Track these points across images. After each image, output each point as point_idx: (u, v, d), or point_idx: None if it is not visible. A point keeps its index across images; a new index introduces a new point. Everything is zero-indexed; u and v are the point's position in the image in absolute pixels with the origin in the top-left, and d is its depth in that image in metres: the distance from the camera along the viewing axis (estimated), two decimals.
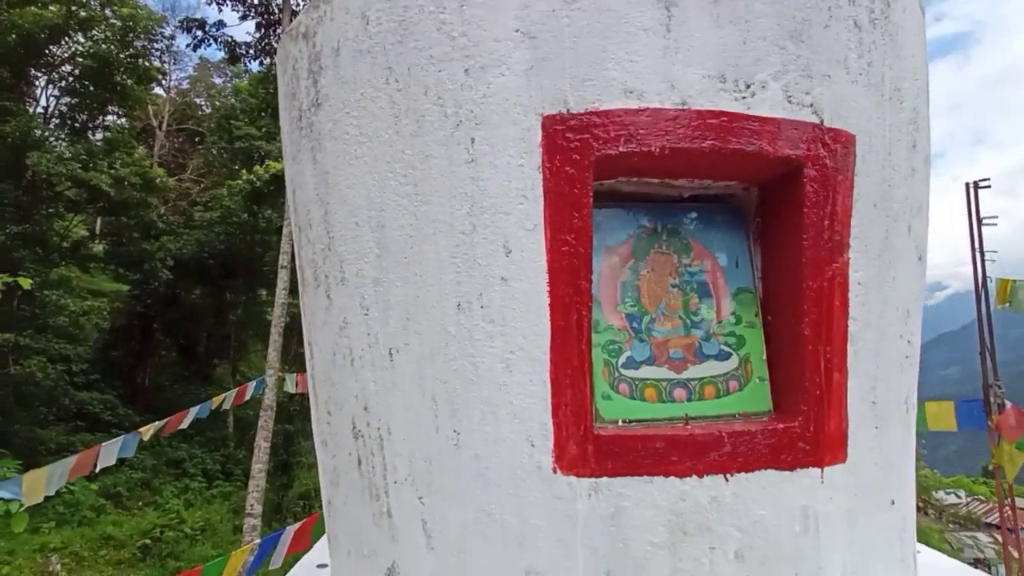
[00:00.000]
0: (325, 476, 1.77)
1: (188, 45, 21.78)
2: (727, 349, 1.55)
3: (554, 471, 1.35)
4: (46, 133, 22.11)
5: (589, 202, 1.37)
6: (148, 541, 17.88)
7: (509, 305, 1.37)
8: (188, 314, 25.31)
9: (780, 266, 1.55)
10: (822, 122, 1.44)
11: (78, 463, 7.72)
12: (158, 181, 23.48)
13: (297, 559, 2.81)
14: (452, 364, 1.41)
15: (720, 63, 1.39)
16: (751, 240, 1.62)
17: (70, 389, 20.31)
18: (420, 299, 1.44)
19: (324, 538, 2.67)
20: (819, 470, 1.43)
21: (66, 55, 21.85)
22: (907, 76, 1.60)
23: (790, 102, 1.42)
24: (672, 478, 1.36)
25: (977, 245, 10.58)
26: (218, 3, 19.25)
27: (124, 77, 21.95)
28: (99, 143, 23.14)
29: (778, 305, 1.55)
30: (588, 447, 1.35)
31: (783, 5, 1.42)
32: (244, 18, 19.80)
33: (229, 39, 20.22)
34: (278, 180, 20.54)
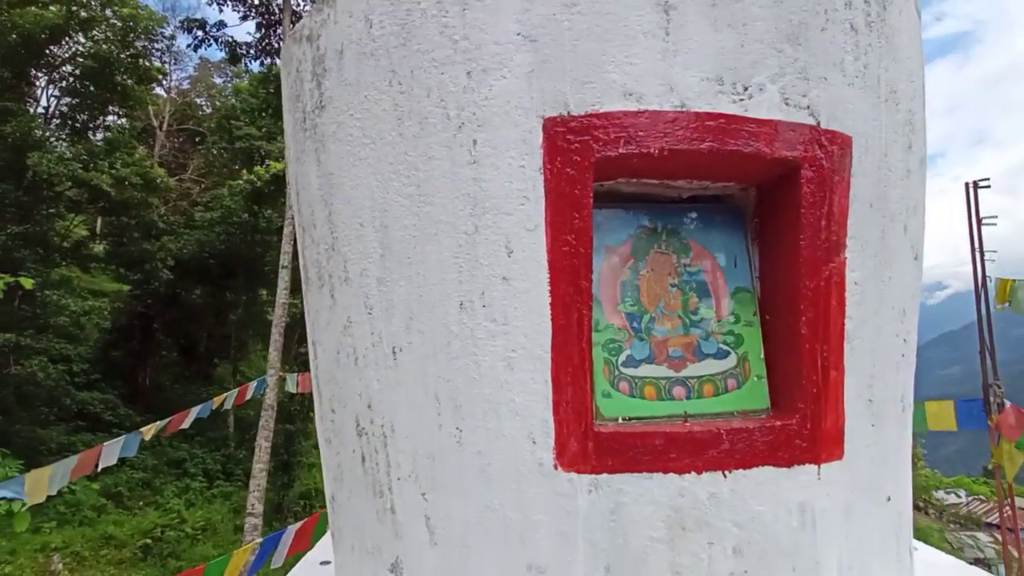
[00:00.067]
0: (329, 473, 1.79)
1: (188, 45, 21.81)
2: (725, 348, 1.57)
3: (555, 467, 1.37)
4: (47, 133, 22.14)
5: (589, 203, 1.39)
6: (149, 541, 17.91)
7: (511, 304, 1.39)
8: (189, 314, 25.33)
9: (778, 266, 1.57)
10: (819, 124, 1.47)
11: (80, 462, 7.75)
12: (159, 181, 23.49)
13: (298, 558, 2.83)
14: (455, 362, 1.43)
15: (718, 66, 1.41)
16: (749, 240, 1.64)
17: (71, 389, 20.34)
18: (423, 298, 1.47)
19: (327, 536, 2.69)
20: (816, 467, 1.46)
21: (67, 55, 21.88)
22: (903, 78, 1.63)
23: (787, 104, 1.44)
24: (671, 474, 1.38)
25: (977, 245, 10.59)
26: (219, 3, 19.28)
27: (124, 77, 21.97)
28: (100, 143, 23.16)
29: (776, 304, 1.57)
30: (589, 444, 1.38)
31: (780, 8, 1.44)
32: (244, 18, 19.82)
33: (230, 39, 20.25)
34: (279, 180, 20.57)
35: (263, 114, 24.01)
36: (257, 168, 22.88)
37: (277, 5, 19.14)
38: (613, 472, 1.37)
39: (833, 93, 1.48)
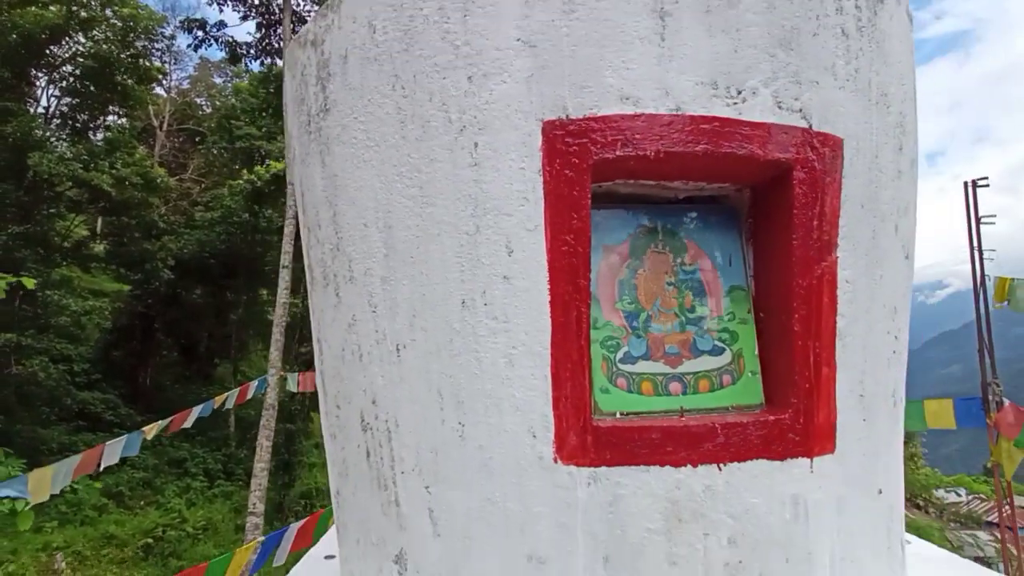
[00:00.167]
0: (334, 468, 1.83)
1: (189, 45, 21.85)
2: (721, 345, 1.61)
3: (555, 461, 1.42)
4: (47, 133, 22.16)
5: (587, 204, 1.43)
6: (150, 540, 17.94)
7: (511, 303, 1.43)
8: (189, 314, 25.36)
9: (771, 265, 1.61)
10: (810, 126, 1.51)
11: (83, 461, 7.78)
12: (159, 181, 23.51)
13: (299, 557, 2.86)
14: (457, 359, 1.47)
15: (712, 70, 1.45)
16: (744, 239, 1.68)
17: (72, 389, 20.37)
18: (426, 297, 1.51)
19: (330, 532, 2.73)
20: (808, 460, 1.50)
21: (67, 55, 21.90)
22: (894, 81, 1.67)
23: (780, 107, 1.48)
24: (668, 467, 1.42)
25: (975, 244, 10.62)
26: (219, 3, 19.30)
27: (125, 77, 21.98)
28: (100, 143, 23.18)
29: (769, 302, 1.61)
30: (587, 438, 1.42)
31: (773, 15, 1.48)
32: (245, 18, 19.84)
33: (230, 39, 20.27)
34: (279, 180, 20.59)
35: (263, 114, 24.04)
36: (257, 168, 22.90)
37: (277, 5, 19.16)
38: (611, 465, 1.41)
39: (825, 96, 1.52)
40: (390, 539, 1.60)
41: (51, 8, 19.97)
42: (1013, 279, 9.70)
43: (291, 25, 17.04)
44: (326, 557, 2.40)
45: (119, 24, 21.35)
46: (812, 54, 1.51)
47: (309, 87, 1.76)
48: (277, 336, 14.28)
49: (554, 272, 1.42)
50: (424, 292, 1.51)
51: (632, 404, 1.53)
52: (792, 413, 1.50)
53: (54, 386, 19.51)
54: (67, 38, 21.28)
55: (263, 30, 19.95)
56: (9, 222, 19.28)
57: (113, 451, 8.27)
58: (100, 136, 24.03)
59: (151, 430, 8.86)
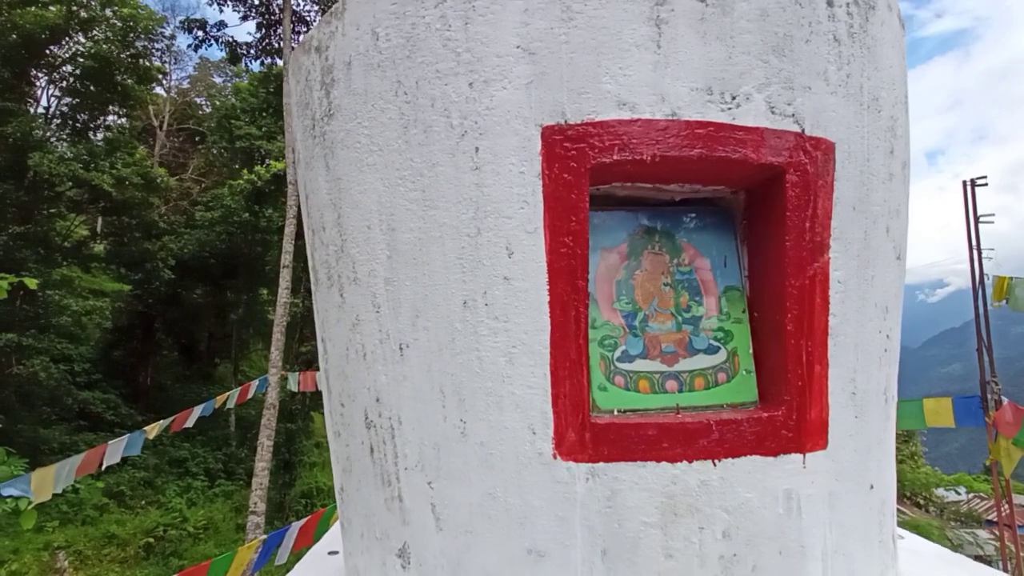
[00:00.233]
0: (338, 464, 1.87)
1: (189, 45, 21.91)
2: (716, 343, 1.65)
3: (554, 457, 1.46)
4: (47, 133, 22.21)
5: (586, 206, 1.47)
6: (151, 540, 17.99)
7: (511, 303, 1.47)
8: (189, 313, 25.43)
9: (765, 265, 1.65)
10: (803, 131, 1.54)
11: (85, 461, 7.83)
12: (159, 181, 23.55)
13: (300, 556, 2.90)
14: (459, 358, 1.51)
15: (707, 76, 1.49)
16: (738, 240, 1.72)
17: (72, 389, 20.42)
18: (428, 297, 1.55)
19: (332, 529, 2.77)
20: (801, 456, 1.54)
21: (67, 55, 21.92)
22: (885, 86, 1.70)
23: (773, 112, 1.52)
24: (664, 463, 1.46)
25: (974, 243, 10.66)
26: (219, 3, 19.32)
27: (125, 77, 22.02)
28: (100, 143, 23.20)
29: (763, 302, 1.65)
30: (586, 434, 1.46)
31: (766, 22, 1.52)
32: (245, 18, 19.86)
33: (230, 39, 20.29)
34: (279, 180, 20.63)
35: (263, 114, 24.08)
36: (257, 167, 22.95)
37: (277, 5, 19.18)
38: (609, 461, 1.45)
39: (817, 101, 1.56)
40: (393, 533, 1.64)
41: (51, 8, 20.01)
42: (1012, 278, 9.74)
43: (291, 25, 17.06)
44: (329, 553, 2.44)
45: (119, 24, 21.38)
46: (804, 60, 1.55)
47: (313, 92, 1.80)
48: (277, 335, 14.32)
49: (553, 273, 1.46)
50: (426, 293, 1.55)
51: (629, 401, 1.57)
52: (785, 410, 1.54)
53: (55, 386, 19.57)
54: (67, 38, 21.31)
55: (263, 30, 19.98)
56: (10, 222, 19.32)
57: (115, 450, 8.32)
58: (100, 136, 24.05)
59: (153, 429, 8.91)
